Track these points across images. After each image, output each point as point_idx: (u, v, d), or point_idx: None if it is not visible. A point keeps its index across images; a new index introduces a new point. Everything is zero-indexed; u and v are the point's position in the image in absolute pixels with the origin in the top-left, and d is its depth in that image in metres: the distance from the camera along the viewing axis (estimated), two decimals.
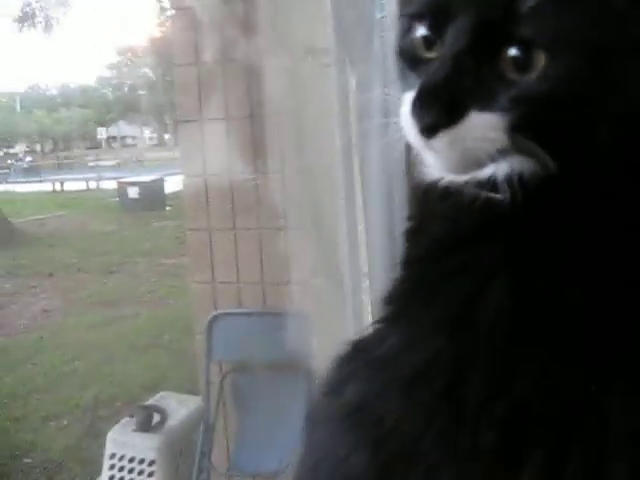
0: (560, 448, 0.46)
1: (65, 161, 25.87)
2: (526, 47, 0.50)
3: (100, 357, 5.29)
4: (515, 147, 0.52)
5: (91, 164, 21.82)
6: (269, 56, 2.22)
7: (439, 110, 0.52)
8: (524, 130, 0.51)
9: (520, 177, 0.52)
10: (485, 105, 0.52)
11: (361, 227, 1.27)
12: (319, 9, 1.22)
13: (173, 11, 2.88)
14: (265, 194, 2.53)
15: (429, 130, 0.53)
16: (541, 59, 0.50)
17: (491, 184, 0.54)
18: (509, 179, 0.53)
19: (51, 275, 8.17)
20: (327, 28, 1.14)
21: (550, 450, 0.46)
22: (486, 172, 0.54)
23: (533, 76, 0.50)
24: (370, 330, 0.60)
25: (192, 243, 2.83)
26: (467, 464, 0.48)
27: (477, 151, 0.53)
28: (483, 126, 0.52)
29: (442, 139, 0.53)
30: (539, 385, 0.48)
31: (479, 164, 0.54)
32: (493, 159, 0.53)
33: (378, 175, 1.05)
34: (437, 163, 0.57)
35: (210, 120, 2.64)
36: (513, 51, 0.51)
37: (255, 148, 2.52)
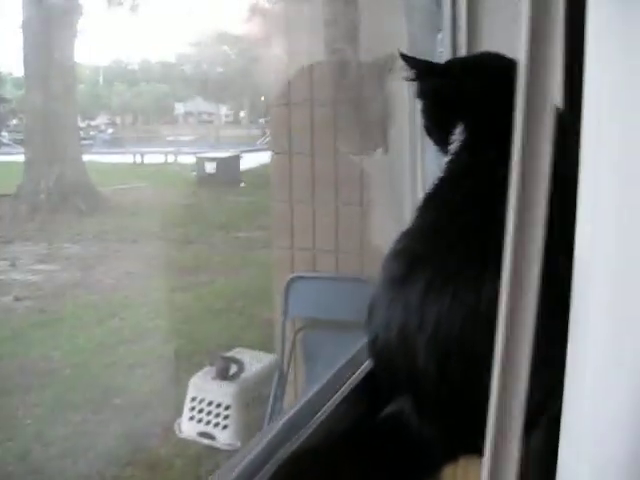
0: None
1: (144, 134, 26.42)
2: None
3: (180, 317, 5.77)
4: None
5: (170, 138, 22.33)
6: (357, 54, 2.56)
7: None
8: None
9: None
10: None
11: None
12: (397, 29, 1.59)
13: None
14: (344, 171, 2.87)
15: None
16: None
17: None
18: None
19: (134, 242, 8.71)
20: (403, 42, 1.50)
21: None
22: None
23: None
24: None
25: (276, 213, 3.19)
26: (462, 259, 0.86)
27: None
28: None
29: None
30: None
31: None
32: None
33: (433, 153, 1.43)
34: None
35: (297, 104, 2.99)
36: None
37: (337, 130, 2.87)
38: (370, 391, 0.97)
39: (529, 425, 0.90)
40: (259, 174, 13.87)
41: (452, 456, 0.86)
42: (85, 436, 3.75)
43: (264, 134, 23.51)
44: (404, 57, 1.11)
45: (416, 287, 0.84)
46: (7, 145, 19.01)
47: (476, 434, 0.82)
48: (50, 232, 9.09)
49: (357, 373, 1.06)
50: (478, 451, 0.83)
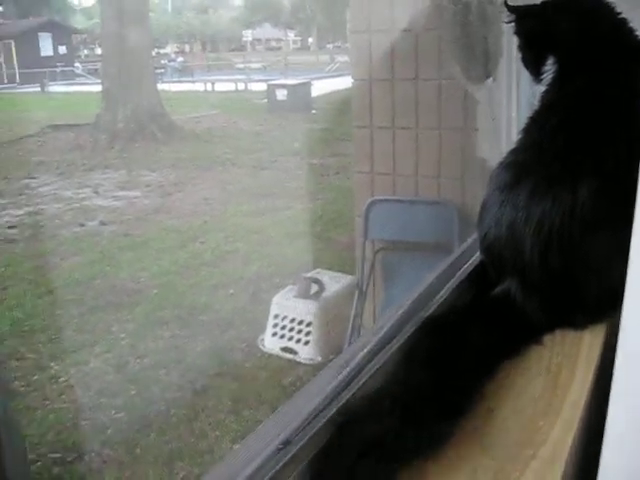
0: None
1: (213, 62, 26.47)
2: None
3: (258, 240, 5.98)
4: None
5: (239, 65, 22.38)
6: None
7: None
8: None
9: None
10: None
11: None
12: None
13: None
14: (423, 99, 2.92)
15: None
16: None
17: None
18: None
19: (209, 169, 8.93)
20: None
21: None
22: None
23: None
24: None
25: (356, 138, 3.27)
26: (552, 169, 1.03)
27: None
28: None
29: None
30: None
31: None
32: None
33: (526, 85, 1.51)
34: None
35: (377, 31, 3.03)
36: None
37: (417, 59, 2.91)
38: (481, 277, 1.13)
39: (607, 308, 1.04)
40: (330, 101, 13.90)
41: (550, 327, 1.06)
42: (175, 350, 4.01)
43: (333, 60, 23.40)
44: (506, 4, 1.27)
45: (523, 192, 1.02)
46: (81, 76, 19.53)
47: (569, 310, 1.07)
48: (129, 160, 9.40)
49: (467, 265, 1.20)
50: (570, 324, 1.07)
